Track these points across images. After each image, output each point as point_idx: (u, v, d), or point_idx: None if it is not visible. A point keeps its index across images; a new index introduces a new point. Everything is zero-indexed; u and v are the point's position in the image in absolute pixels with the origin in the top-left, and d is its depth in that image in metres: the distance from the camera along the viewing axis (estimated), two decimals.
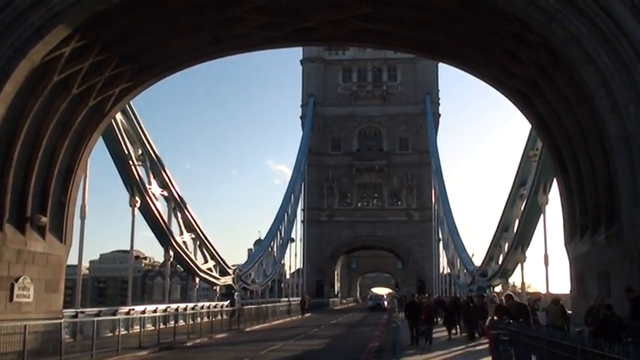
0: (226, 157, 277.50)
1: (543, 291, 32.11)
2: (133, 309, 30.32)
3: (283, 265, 72.56)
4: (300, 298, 59.60)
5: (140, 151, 34.77)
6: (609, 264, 16.99)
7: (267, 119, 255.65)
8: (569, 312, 19.93)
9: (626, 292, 14.45)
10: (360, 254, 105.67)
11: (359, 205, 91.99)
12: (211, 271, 45.20)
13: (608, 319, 12.82)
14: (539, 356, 10.60)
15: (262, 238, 68.81)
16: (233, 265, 51.18)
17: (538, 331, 11.24)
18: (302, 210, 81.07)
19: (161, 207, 37.71)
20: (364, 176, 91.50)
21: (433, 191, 78.78)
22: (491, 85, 24.38)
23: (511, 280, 42.10)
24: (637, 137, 15.78)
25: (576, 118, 19.48)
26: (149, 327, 26.74)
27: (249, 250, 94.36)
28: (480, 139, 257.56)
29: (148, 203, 35.45)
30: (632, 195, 15.81)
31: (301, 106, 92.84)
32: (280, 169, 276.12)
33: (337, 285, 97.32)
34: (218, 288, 47.32)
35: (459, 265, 59.25)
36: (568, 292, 22.56)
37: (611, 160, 17.06)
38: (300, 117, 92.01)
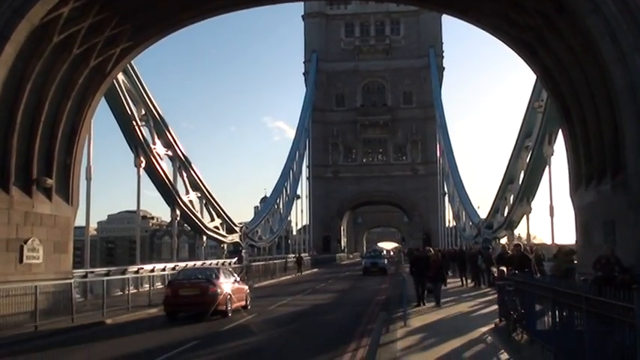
0: (223, 115, 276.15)
1: (549, 242, 32.31)
2: (142, 268, 30.68)
3: (289, 221, 73.05)
4: (298, 255, 57.21)
5: (143, 111, 34.69)
6: (615, 213, 17.01)
7: (264, 76, 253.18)
8: (575, 262, 20.07)
9: None
10: (366, 209, 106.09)
11: (364, 160, 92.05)
12: (218, 229, 45.54)
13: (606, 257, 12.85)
14: (545, 305, 10.70)
15: (268, 195, 69.20)
16: (240, 223, 51.54)
17: (542, 281, 11.34)
18: (307, 167, 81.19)
19: (166, 167, 37.80)
20: (369, 131, 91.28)
21: (438, 145, 78.58)
22: (495, 36, 24.05)
23: (517, 231, 42.28)
24: None
25: (581, 67, 19.27)
26: (158, 285, 27.07)
27: (256, 207, 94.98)
28: (484, 92, 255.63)
29: (153, 163, 35.54)
30: (638, 143, 15.72)
31: (304, 62, 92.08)
32: (278, 125, 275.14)
33: (344, 240, 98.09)
34: (225, 246, 47.74)
35: (464, 217, 59.50)
36: (573, 242, 22.66)
37: (617, 109, 16.92)
38: (303, 73, 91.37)
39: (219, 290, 19.30)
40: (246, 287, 22.91)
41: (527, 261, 17.09)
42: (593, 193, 19.07)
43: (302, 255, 56.11)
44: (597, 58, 17.50)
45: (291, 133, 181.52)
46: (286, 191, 67.80)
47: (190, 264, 38.07)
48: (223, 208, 46.17)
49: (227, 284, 20.08)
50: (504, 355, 11.67)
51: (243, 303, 21.47)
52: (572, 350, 8.85)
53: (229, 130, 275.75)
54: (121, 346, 14.67)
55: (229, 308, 19.62)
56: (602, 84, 17.91)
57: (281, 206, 66.24)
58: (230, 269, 25.32)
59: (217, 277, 19.92)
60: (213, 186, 56.52)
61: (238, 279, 22.32)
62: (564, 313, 9.35)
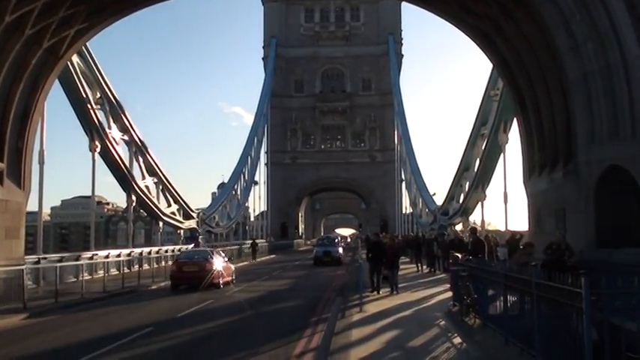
0: (180, 100, 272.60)
1: (502, 228, 32.90)
2: (97, 254, 30.20)
3: (247, 207, 72.82)
4: (253, 242, 54.05)
5: (98, 95, 34.05)
6: (566, 200, 17.40)
7: (222, 61, 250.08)
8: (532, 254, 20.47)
9: None
10: (324, 196, 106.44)
11: (322, 147, 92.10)
12: (175, 215, 45.14)
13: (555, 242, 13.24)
14: (497, 290, 10.91)
15: (225, 181, 68.85)
16: (197, 209, 51.16)
17: (495, 266, 11.57)
18: (265, 153, 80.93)
19: (122, 151, 37.24)
20: (327, 118, 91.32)
21: (396, 132, 79.16)
22: (453, 24, 24.28)
23: (471, 218, 42.93)
24: (595, 75, 15.97)
25: (536, 57, 19.59)
26: (113, 272, 26.70)
27: (213, 193, 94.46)
28: (443, 80, 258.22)
29: (109, 148, 34.98)
30: (589, 132, 16.10)
31: (263, 47, 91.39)
32: (235, 110, 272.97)
33: (301, 226, 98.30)
34: (182, 232, 47.37)
35: (421, 204, 60.17)
36: (526, 229, 23.12)
37: (569, 99, 17.28)
38: (263, 58, 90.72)
39: (214, 267, 24.34)
40: (233, 266, 28.13)
41: (482, 246, 17.38)
42: (546, 180, 19.46)
43: (257, 241, 55.59)
44: (552, 47, 17.80)
45: (249, 119, 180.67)
46: (244, 177, 67.53)
47: (146, 250, 37.69)
48: (180, 193, 45.77)
49: (219, 263, 25.11)
50: (457, 339, 11.89)
51: (231, 278, 26.24)
52: (523, 334, 9.06)
53: (186, 114, 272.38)
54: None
55: (221, 282, 24.57)
56: (556, 74, 18.24)
57: (239, 192, 65.97)
58: (220, 251, 28.81)
59: (212, 257, 25.04)
60: (170, 171, 55.83)
61: (227, 259, 27.72)
62: (515, 298, 9.55)
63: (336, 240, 50.51)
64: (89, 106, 32.73)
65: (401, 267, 23.66)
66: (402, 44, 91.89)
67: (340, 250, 44.76)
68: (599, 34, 15.88)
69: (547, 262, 11.42)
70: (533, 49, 19.63)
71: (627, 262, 12.30)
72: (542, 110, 19.88)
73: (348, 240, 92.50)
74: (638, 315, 6.76)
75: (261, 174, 76.49)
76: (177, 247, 42.50)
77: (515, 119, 25.21)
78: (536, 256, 14.12)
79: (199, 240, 46.79)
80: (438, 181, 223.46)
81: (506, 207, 31.53)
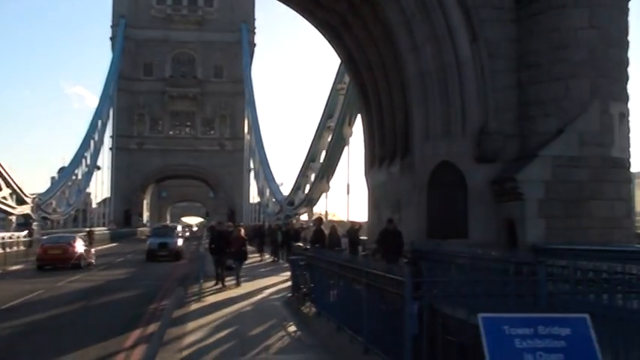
0: (15, 77, 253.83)
1: (345, 218, 33.92)
2: None
3: (89, 194, 69.60)
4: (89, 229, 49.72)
5: None
6: (401, 193, 18.19)
7: (63, 38, 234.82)
8: (365, 237, 21.27)
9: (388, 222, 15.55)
10: (172, 183, 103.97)
11: (171, 133, 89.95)
12: (6, 200, 42.04)
13: (387, 230, 13.94)
14: (333, 279, 11.15)
15: (66, 165, 65.22)
16: (32, 194, 48.01)
17: (330, 255, 11.82)
18: (110, 137, 77.73)
19: None
20: (177, 104, 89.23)
21: (246, 121, 79.07)
22: (303, 17, 24.51)
23: (316, 208, 43.89)
24: (432, 75, 16.80)
25: (380, 54, 20.28)
26: None
27: (53, 178, 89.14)
28: (294, 71, 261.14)
29: None
30: (424, 129, 16.93)
31: (111, 26, 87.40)
32: (77, 90, 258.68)
33: (146, 214, 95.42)
34: (14, 218, 44.23)
35: (268, 194, 60.62)
36: (366, 219, 23.94)
37: (408, 96, 18.06)
38: (110, 38, 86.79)
39: (76, 250, 28.21)
40: (93, 250, 32.48)
41: (322, 236, 17.74)
42: (385, 173, 20.24)
43: (94, 229, 52.60)
44: (394, 46, 18.50)
45: (92, 101, 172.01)
46: (86, 161, 64.41)
47: None
48: (13, 177, 42.67)
49: (80, 247, 29.04)
50: (292, 328, 12.05)
51: (92, 260, 30.09)
52: (354, 321, 9.32)
53: (23, 93, 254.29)
54: None
55: (82, 263, 28.17)
56: (398, 71, 18.99)
57: (80, 177, 62.82)
58: (82, 237, 33.36)
59: (75, 241, 29.03)
60: (3, 154, 51.96)
61: (87, 244, 32.44)
62: (348, 286, 9.81)
63: (176, 229, 41.75)
64: None
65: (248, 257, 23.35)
66: (254, 33, 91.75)
67: (180, 241, 37.43)
68: (437, 36, 16.74)
69: (376, 251, 11.88)
70: (377, 46, 20.30)
71: (452, 252, 13.07)
72: (384, 106, 20.64)
73: (195, 229, 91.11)
74: (455, 301, 7.17)
75: (105, 159, 73.48)
76: (8, 234, 39.62)
77: (359, 113, 26.01)
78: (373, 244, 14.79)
79: (33, 227, 43.91)
80: (286, 171, 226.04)
81: (348, 198, 32.55)
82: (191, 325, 12.52)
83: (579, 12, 15.53)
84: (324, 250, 13.84)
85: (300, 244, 17.71)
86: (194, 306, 14.96)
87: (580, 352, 6.11)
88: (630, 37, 16.19)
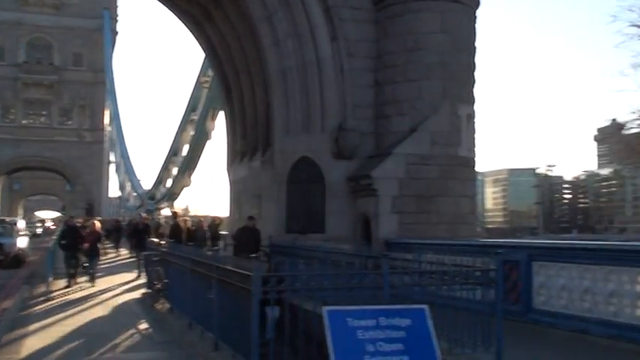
0: None
1: (207, 213, 33.50)
2: None
3: None
4: None
5: None
6: (262, 188, 18.22)
7: None
8: (226, 232, 21.10)
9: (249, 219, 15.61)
10: (25, 175, 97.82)
11: (24, 122, 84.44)
12: None
13: (246, 227, 13.95)
14: (185, 275, 10.95)
15: None
16: None
17: (182, 251, 11.60)
18: None
19: None
20: (31, 91, 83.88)
21: (107, 112, 76.06)
22: (166, 7, 23.91)
23: (177, 203, 43.13)
24: (292, 71, 16.95)
25: (243, 47, 20.20)
26: None
27: None
28: (158, 62, 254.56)
29: None
30: (285, 124, 17.06)
31: None
32: None
33: None
34: None
35: (129, 188, 58.75)
36: (228, 214, 23.77)
37: (270, 91, 18.11)
38: None
39: None
40: None
41: (179, 231, 17.41)
42: (246, 167, 20.20)
43: None
44: (257, 41, 18.47)
45: None
46: None
47: None
48: None
49: None
50: (144, 325, 11.70)
51: None
52: (204, 316, 9.20)
53: None
54: None
55: None
56: (260, 66, 18.98)
57: None
58: None
59: None
60: None
61: None
62: (199, 282, 9.66)
63: (15, 226, 31.45)
64: None
65: (104, 253, 22.29)
66: (117, 21, 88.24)
67: (23, 241, 29.43)
68: (298, 33, 16.90)
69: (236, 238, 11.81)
70: (240, 40, 20.21)
71: (306, 246, 13.26)
72: (246, 100, 20.60)
73: (50, 224, 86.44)
74: (303, 295, 7.25)
75: None
76: None
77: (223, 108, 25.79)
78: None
79: None
80: (149, 165, 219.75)
81: (210, 192, 32.19)
82: (36, 325, 11.82)
83: (432, 17, 16.27)
84: (178, 246, 13.54)
85: (155, 240, 17.16)
86: (41, 306, 14.14)
87: (418, 341, 6.41)
88: (477, 43, 17.20)
